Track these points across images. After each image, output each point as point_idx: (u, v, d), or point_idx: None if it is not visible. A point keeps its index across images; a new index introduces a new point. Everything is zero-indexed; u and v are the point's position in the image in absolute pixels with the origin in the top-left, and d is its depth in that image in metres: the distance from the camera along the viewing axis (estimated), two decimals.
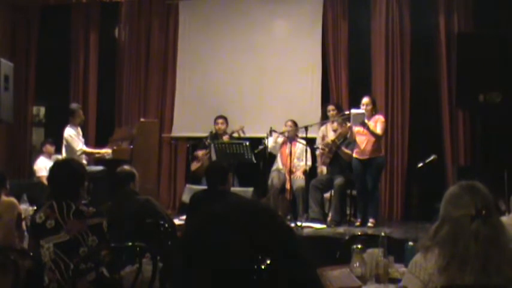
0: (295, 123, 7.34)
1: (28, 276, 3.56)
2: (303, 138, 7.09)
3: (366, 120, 6.51)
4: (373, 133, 6.51)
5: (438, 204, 2.38)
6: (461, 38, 6.99)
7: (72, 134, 7.12)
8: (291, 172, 7.01)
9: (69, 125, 7.19)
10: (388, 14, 7.90)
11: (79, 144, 7.19)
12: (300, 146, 7.30)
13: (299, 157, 7.26)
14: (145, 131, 7.80)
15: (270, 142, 7.24)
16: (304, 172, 7.15)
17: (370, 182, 6.64)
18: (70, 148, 7.09)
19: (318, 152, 7.14)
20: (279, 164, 7.43)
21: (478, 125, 7.14)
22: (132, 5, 8.95)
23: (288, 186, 7.09)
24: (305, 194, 6.93)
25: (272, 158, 7.52)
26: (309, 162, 7.22)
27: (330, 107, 7.22)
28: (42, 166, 7.89)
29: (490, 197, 2.29)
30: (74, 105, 7.56)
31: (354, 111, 6.52)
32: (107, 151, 7.45)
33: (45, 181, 7.62)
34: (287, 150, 7.21)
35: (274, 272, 0.90)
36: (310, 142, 7.19)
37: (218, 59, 8.53)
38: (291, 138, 7.24)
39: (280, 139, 7.39)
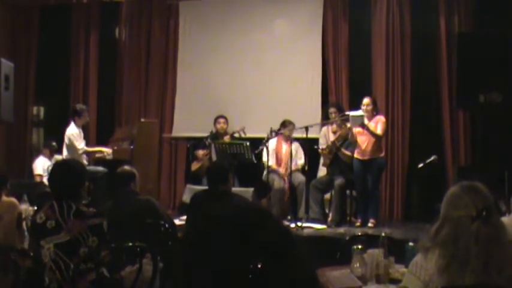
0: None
1: (28, 276, 3.56)
2: (303, 138, 7.05)
3: (367, 122, 6.50)
4: (373, 134, 6.50)
5: (438, 205, 2.38)
6: (462, 38, 6.99)
7: (75, 133, 7.13)
8: (291, 172, 6.99)
9: (72, 124, 7.19)
10: (389, 14, 7.89)
11: (81, 144, 7.20)
12: (294, 145, 7.28)
13: (294, 157, 7.20)
14: (146, 131, 7.79)
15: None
16: (303, 169, 7.15)
17: (370, 183, 6.64)
18: (72, 147, 7.09)
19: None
20: (273, 163, 7.35)
21: (478, 125, 7.14)
22: (132, 5, 8.95)
23: (287, 187, 7.09)
24: (305, 193, 6.91)
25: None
26: (302, 161, 7.22)
27: (332, 109, 7.17)
28: (39, 165, 7.92)
29: (490, 197, 2.28)
30: (81, 106, 7.51)
31: (352, 113, 6.51)
32: (106, 151, 7.44)
33: (39, 179, 7.69)
34: (283, 150, 7.21)
35: (273, 273, 0.90)
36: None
37: (218, 59, 8.52)
38: (288, 138, 7.22)
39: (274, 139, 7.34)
